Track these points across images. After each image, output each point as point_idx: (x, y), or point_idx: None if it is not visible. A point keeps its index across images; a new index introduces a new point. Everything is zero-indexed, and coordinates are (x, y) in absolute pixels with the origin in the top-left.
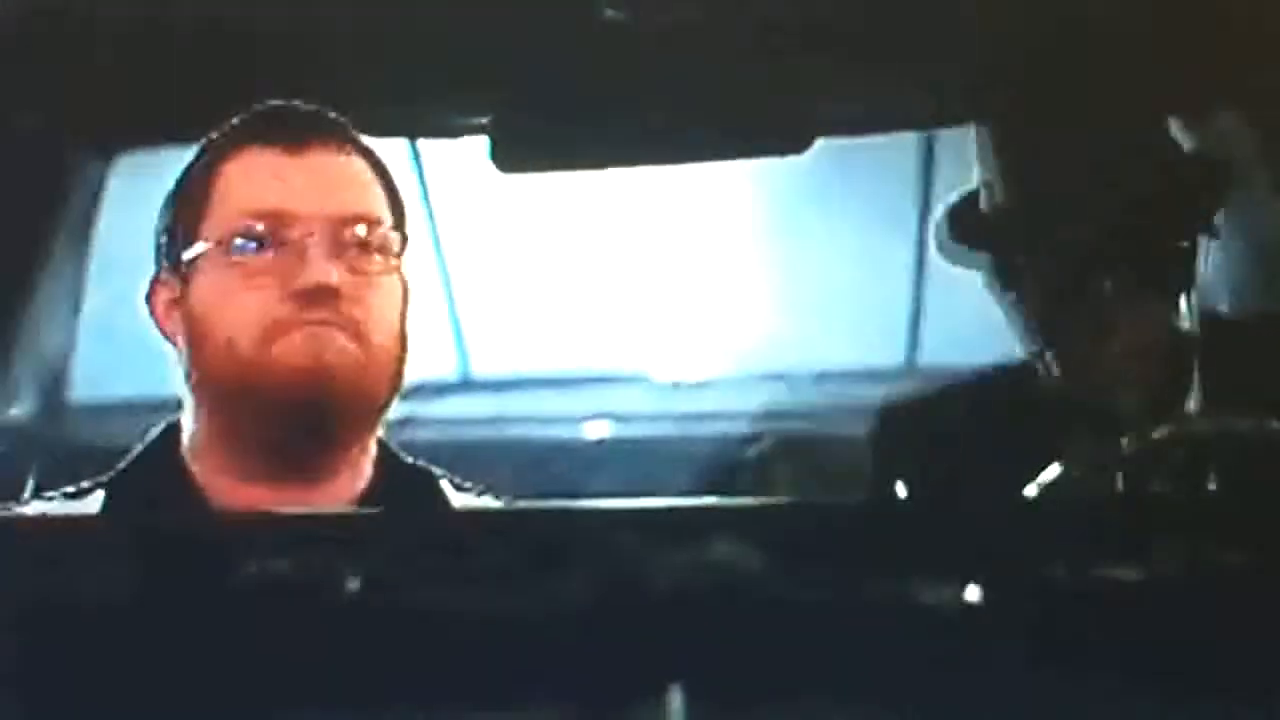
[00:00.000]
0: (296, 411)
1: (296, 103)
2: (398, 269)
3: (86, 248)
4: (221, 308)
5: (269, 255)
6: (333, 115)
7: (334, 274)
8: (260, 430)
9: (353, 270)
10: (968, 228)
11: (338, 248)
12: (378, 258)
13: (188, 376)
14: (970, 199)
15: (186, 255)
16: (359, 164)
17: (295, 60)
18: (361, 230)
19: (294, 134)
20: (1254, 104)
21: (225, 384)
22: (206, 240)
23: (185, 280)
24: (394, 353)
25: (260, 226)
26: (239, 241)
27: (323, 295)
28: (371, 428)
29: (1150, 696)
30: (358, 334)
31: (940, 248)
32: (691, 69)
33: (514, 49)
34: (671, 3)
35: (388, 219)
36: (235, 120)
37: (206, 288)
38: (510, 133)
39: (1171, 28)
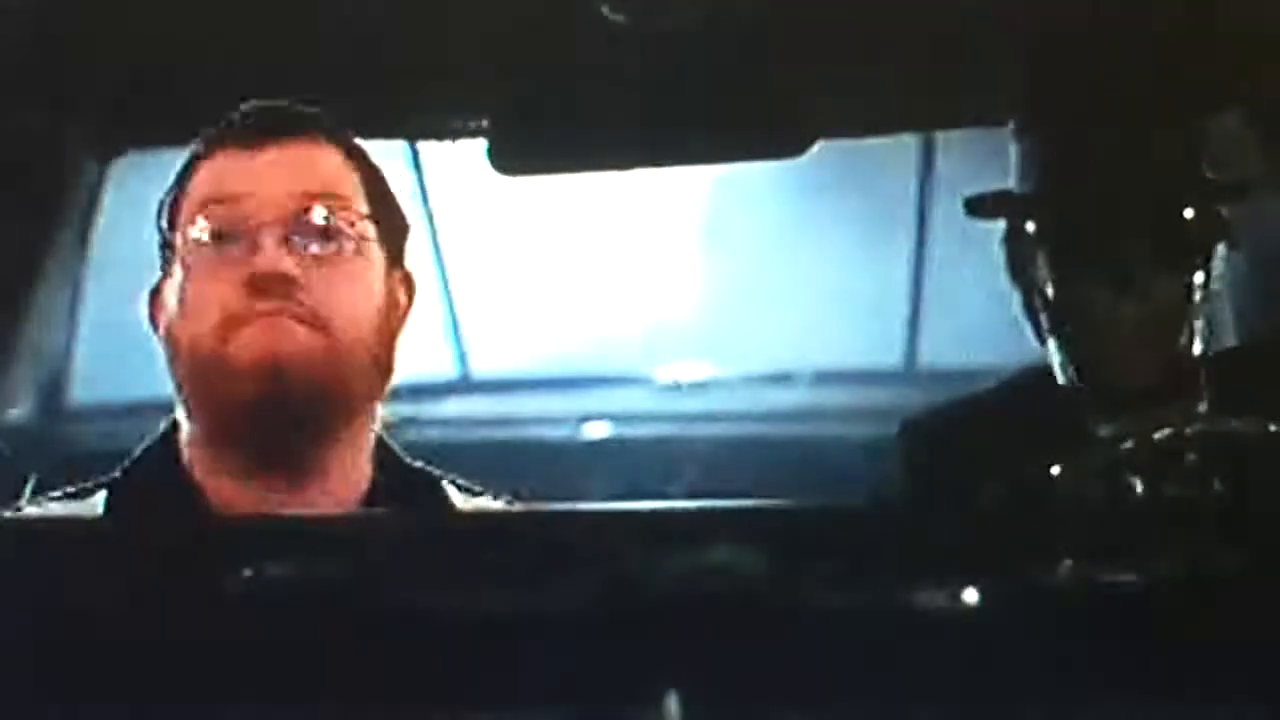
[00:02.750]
0: (253, 406)
1: (277, 101)
2: (368, 255)
3: (86, 249)
4: (183, 303)
5: (226, 247)
6: (308, 109)
7: (287, 262)
8: (226, 426)
9: (314, 258)
10: (984, 203)
11: (297, 234)
12: (348, 245)
13: (171, 375)
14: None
15: (163, 257)
16: (327, 151)
17: (295, 62)
18: (322, 215)
19: (263, 128)
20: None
21: (190, 380)
22: (173, 237)
23: (165, 279)
24: (367, 341)
25: (220, 211)
26: (194, 232)
27: (276, 284)
28: (351, 421)
29: (1151, 697)
30: (319, 323)
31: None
32: (691, 70)
33: (513, 51)
34: (671, 4)
35: (360, 204)
36: (220, 123)
37: (172, 284)
38: (509, 134)
39: (1172, 27)
